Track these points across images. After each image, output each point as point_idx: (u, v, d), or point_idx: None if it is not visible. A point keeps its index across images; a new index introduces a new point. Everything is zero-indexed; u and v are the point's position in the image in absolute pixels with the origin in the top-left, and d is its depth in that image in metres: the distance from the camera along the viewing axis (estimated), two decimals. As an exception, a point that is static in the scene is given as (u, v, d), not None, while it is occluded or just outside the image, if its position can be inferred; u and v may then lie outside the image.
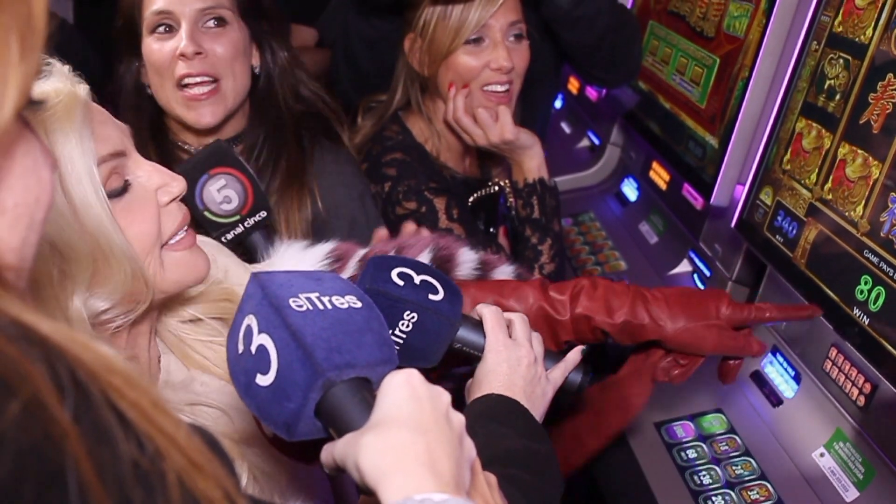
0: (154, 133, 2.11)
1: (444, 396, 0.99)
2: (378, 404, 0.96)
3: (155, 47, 2.04)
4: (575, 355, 1.53)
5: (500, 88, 2.30)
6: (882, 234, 1.71)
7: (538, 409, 1.43)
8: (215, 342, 1.45)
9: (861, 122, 1.81)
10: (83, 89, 1.25)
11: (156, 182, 1.31)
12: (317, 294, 1.05)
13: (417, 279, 1.41)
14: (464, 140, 2.36)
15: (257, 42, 2.16)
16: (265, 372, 1.00)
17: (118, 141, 1.28)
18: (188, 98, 2.05)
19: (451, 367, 1.50)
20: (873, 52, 1.82)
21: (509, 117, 2.28)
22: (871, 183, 1.76)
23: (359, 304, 1.07)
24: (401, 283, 1.38)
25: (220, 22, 2.06)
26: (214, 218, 1.81)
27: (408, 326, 1.37)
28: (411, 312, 1.37)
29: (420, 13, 2.28)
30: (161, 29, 2.03)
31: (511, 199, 2.39)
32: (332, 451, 0.97)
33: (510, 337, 1.45)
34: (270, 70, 2.18)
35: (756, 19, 2.30)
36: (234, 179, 1.82)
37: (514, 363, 1.42)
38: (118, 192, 1.25)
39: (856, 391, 1.82)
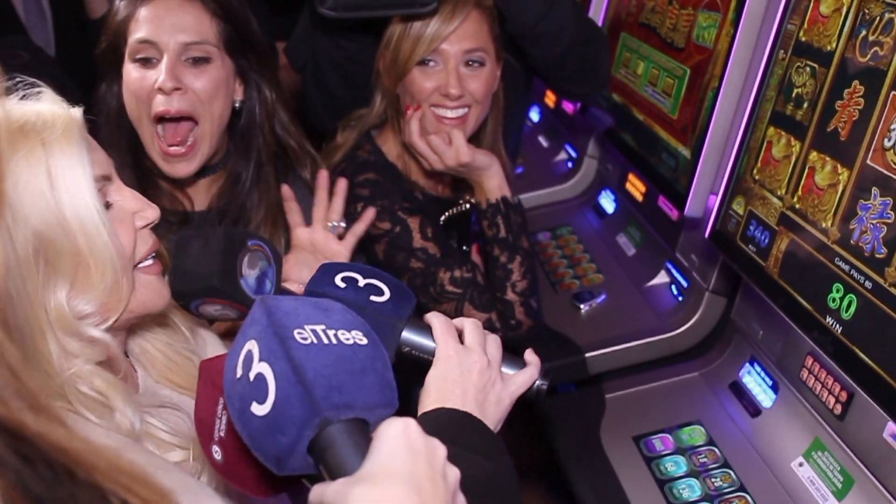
0: (133, 155, 2.09)
1: (440, 451, 0.98)
2: (373, 451, 0.95)
3: (135, 76, 2.01)
4: (534, 362, 1.49)
5: (450, 114, 2.27)
6: (852, 242, 1.70)
7: (492, 417, 1.40)
8: (177, 360, 1.51)
9: (829, 129, 1.81)
10: (78, 112, 1.31)
11: (133, 206, 1.37)
12: (323, 327, 1.04)
13: (362, 282, 1.41)
14: (422, 164, 2.35)
15: (242, 77, 2.12)
16: (261, 402, 0.98)
17: (106, 165, 1.34)
18: (165, 151, 2.03)
19: (414, 380, 1.47)
20: (838, 59, 1.82)
21: (463, 140, 2.25)
22: (839, 190, 1.76)
23: (364, 342, 1.05)
24: (343, 285, 1.39)
25: (203, 59, 2.01)
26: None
27: None
28: None
29: (387, 30, 2.28)
30: (142, 57, 2.00)
31: None
32: (323, 494, 0.96)
33: (462, 343, 1.43)
34: (253, 108, 2.15)
35: (724, 29, 2.30)
36: (230, 308, 1.76)
37: (466, 369, 1.39)
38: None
39: (833, 400, 1.81)
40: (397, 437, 0.95)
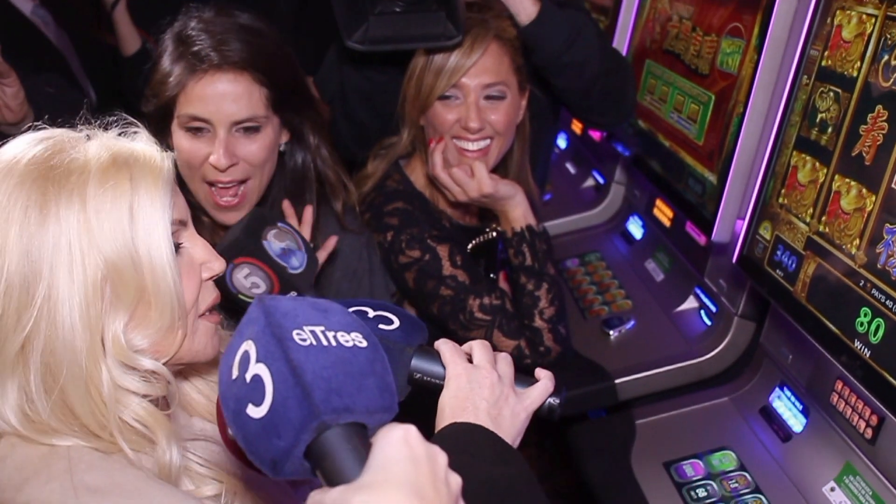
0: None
1: (441, 457, 0.97)
2: (373, 458, 0.94)
3: (186, 145, 2.03)
4: (545, 375, 1.50)
5: (471, 147, 2.31)
6: (879, 266, 1.71)
7: (508, 430, 1.40)
8: (208, 393, 1.52)
9: (853, 154, 1.82)
10: (169, 158, 1.36)
11: (202, 256, 1.39)
12: (322, 328, 1.02)
13: (372, 314, 1.43)
14: (446, 196, 2.38)
15: (288, 127, 2.17)
16: (258, 403, 0.96)
17: (184, 211, 1.38)
18: (217, 203, 2.08)
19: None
20: (861, 84, 1.83)
21: (484, 172, 2.28)
22: (865, 215, 1.76)
23: (364, 344, 1.03)
24: None
25: (254, 129, 2.06)
26: (247, 300, 1.90)
27: None
28: None
29: (411, 62, 2.32)
30: (193, 129, 2.03)
31: None
32: (321, 502, 0.94)
33: (471, 363, 1.45)
34: (296, 152, 2.20)
35: (748, 55, 2.32)
36: (256, 268, 1.89)
37: (476, 386, 1.40)
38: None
39: (863, 424, 1.81)
40: (398, 443, 0.94)
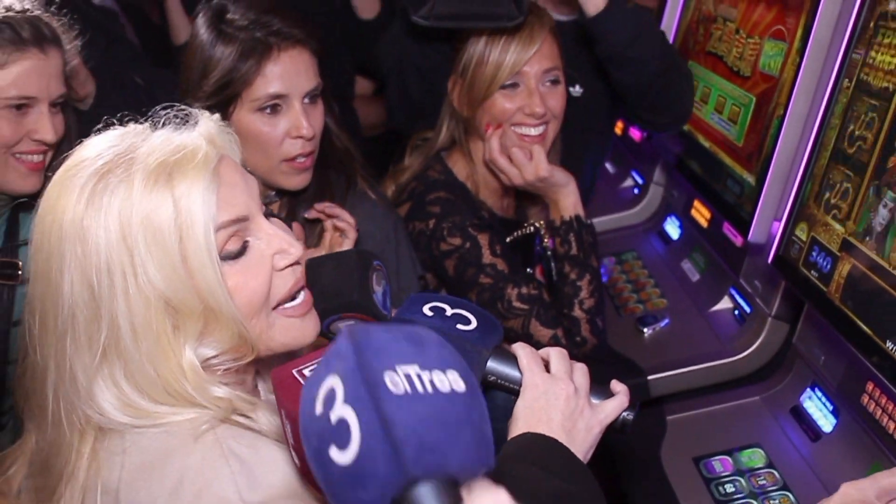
0: None
1: None
2: None
3: (265, 129, 2.08)
4: (622, 390, 1.48)
5: (532, 132, 2.37)
6: (913, 268, 1.72)
7: (580, 445, 1.39)
8: None
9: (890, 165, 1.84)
10: (216, 150, 1.31)
11: (274, 247, 1.33)
12: (416, 369, 0.92)
13: (450, 312, 1.42)
14: (501, 180, 2.42)
15: (324, 99, 2.22)
16: (342, 447, 0.89)
17: (243, 206, 1.30)
18: (296, 167, 2.13)
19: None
20: (902, 88, 1.84)
21: (543, 155, 2.33)
22: (901, 217, 1.78)
23: (462, 388, 0.93)
24: (430, 314, 1.40)
25: (316, 96, 2.13)
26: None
27: None
28: None
29: (461, 57, 2.36)
30: (269, 110, 2.08)
31: (547, 240, 2.44)
32: None
33: (548, 372, 1.44)
34: (327, 123, 2.24)
35: (790, 58, 2.33)
36: (359, 320, 1.83)
37: (552, 397, 1.39)
38: (234, 254, 1.29)
39: (893, 425, 1.82)
40: None
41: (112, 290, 1.22)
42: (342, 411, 0.89)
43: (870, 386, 1.92)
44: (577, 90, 2.70)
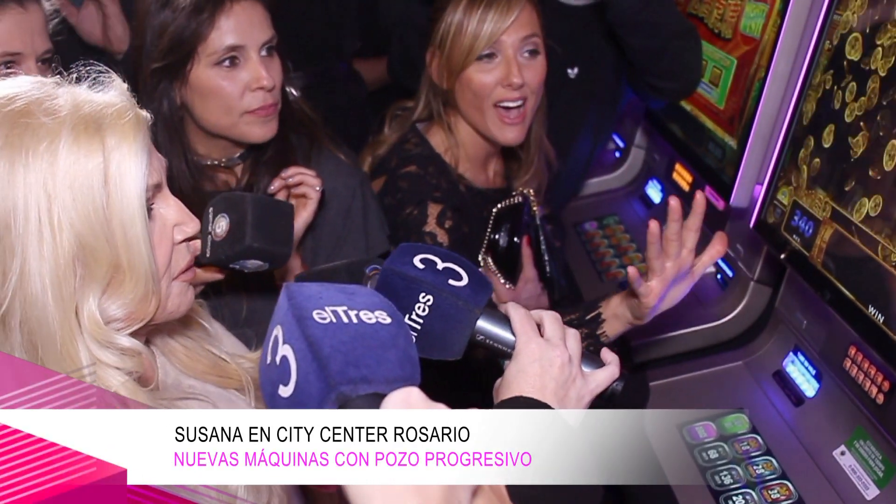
0: (185, 157, 2.14)
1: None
2: None
3: (225, 83, 2.06)
4: (613, 359, 1.46)
5: (511, 105, 2.31)
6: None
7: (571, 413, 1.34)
8: (197, 350, 1.51)
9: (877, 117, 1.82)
10: (145, 114, 1.31)
11: (175, 218, 1.34)
12: (344, 308, 1.03)
13: (441, 265, 1.38)
14: (486, 150, 2.38)
15: (279, 55, 2.19)
16: (286, 383, 0.99)
17: (159, 174, 1.32)
18: (260, 115, 2.10)
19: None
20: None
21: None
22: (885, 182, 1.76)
23: (388, 321, 1.04)
24: (421, 266, 1.36)
25: (272, 49, 2.11)
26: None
27: (424, 310, 1.34)
28: (427, 294, 1.34)
29: (438, 28, 2.32)
30: (226, 63, 2.05)
31: (535, 208, 2.41)
32: None
33: (542, 335, 1.40)
34: (284, 83, 2.22)
35: (771, 19, 2.31)
36: None
37: (546, 364, 1.36)
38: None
39: (875, 389, 1.82)
40: (397, 404, 0.94)
41: (26, 231, 1.19)
42: (283, 351, 1.00)
43: (852, 350, 1.91)
44: (573, 72, 2.68)
